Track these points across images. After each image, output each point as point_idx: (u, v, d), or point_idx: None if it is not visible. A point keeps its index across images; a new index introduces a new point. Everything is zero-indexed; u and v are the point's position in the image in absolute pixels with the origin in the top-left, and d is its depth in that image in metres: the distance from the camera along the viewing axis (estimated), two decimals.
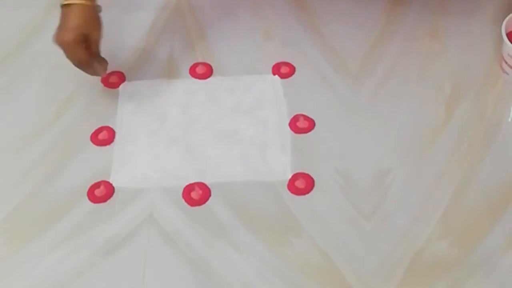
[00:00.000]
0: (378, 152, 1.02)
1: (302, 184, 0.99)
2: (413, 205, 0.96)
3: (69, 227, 0.95)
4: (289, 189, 0.98)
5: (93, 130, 1.05)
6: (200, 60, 1.14)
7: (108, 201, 0.98)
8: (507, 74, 1.08)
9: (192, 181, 0.99)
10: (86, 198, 0.98)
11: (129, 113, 1.08)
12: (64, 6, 1.00)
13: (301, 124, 1.05)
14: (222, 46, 1.16)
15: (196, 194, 0.98)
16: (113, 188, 0.99)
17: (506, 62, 1.07)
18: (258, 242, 0.93)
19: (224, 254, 0.92)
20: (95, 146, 1.04)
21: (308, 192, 0.98)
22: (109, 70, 1.12)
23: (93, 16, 1.01)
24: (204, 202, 0.97)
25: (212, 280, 0.90)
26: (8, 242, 0.95)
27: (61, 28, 1.00)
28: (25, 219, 0.97)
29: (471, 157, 1.00)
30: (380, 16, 1.19)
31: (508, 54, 1.06)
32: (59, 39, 0.99)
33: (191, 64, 1.13)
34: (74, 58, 1.00)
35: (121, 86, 1.12)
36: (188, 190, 0.98)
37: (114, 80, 1.12)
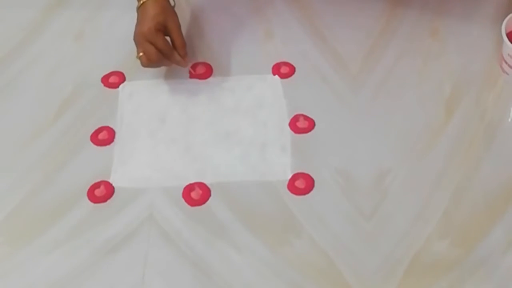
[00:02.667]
0: (378, 152, 1.02)
1: (302, 184, 0.99)
2: (413, 205, 0.96)
3: (69, 227, 0.95)
4: (289, 189, 0.98)
5: (93, 130, 1.05)
6: (200, 60, 1.14)
7: (108, 201, 0.98)
8: (507, 74, 1.08)
9: (192, 181, 0.99)
10: (86, 198, 0.98)
11: (129, 113, 1.08)
12: (140, 6, 1.05)
13: (301, 124, 1.05)
14: (222, 46, 1.16)
15: (196, 194, 0.98)
16: (113, 188, 0.99)
17: (506, 62, 1.07)
18: (258, 242, 0.93)
19: (224, 254, 0.92)
20: (95, 146, 1.04)
21: (308, 192, 0.98)
22: (109, 70, 1.13)
23: (167, 6, 1.06)
24: (204, 202, 0.97)
25: (212, 280, 0.90)
26: (8, 242, 0.95)
27: (139, 23, 1.04)
28: (25, 219, 0.97)
29: (471, 157, 1.00)
30: (380, 16, 1.19)
31: (508, 54, 1.05)
32: (139, 32, 1.03)
33: (191, 64, 1.13)
34: (157, 44, 1.02)
35: (121, 86, 1.11)
36: (188, 190, 0.98)
37: (114, 80, 1.12)
